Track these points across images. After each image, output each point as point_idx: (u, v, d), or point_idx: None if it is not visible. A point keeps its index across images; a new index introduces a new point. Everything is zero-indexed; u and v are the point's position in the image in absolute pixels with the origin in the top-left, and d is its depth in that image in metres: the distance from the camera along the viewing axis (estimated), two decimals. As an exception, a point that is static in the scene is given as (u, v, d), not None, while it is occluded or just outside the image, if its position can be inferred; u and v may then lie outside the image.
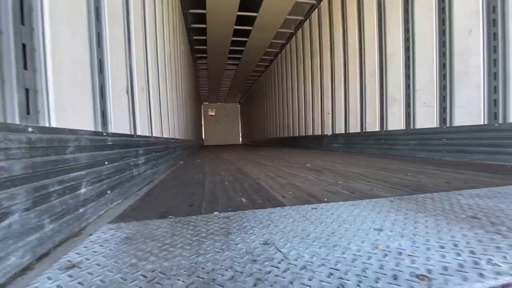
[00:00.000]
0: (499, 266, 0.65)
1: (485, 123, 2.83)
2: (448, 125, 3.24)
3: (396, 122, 4.08)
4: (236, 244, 0.85)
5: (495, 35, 2.69)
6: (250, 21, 7.76)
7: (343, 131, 5.70)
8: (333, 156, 4.55)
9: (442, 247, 0.77)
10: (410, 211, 1.12)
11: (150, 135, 2.61)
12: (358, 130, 5.09)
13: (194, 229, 1.01)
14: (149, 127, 2.61)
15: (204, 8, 6.88)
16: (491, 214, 1.05)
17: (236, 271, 0.68)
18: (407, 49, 3.79)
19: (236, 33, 8.50)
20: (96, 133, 1.36)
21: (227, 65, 12.07)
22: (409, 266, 0.67)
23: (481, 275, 0.62)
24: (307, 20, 7.47)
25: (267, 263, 0.71)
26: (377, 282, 0.60)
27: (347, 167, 2.87)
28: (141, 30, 2.45)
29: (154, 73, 2.95)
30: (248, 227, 1.00)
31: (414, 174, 2.18)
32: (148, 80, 2.63)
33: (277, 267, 0.68)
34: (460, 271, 0.64)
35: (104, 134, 1.46)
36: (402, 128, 3.96)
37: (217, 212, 1.24)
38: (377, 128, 4.52)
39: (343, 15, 5.48)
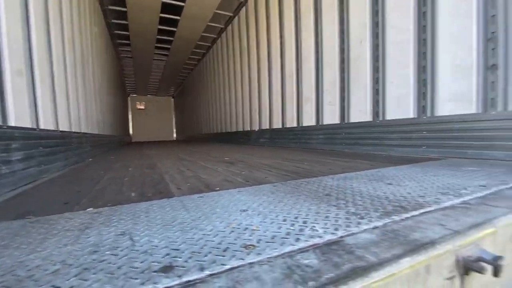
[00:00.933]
0: (316, 231, 0.79)
1: (371, 120, 3.40)
2: (346, 121, 3.77)
3: (309, 119, 4.53)
4: (88, 238, 0.79)
5: (377, 46, 3.25)
6: (178, 10, 7.39)
7: (268, 127, 6.01)
8: (256, 150, 4.76)
9: (284, 220, 0.88)
10: (281, 193, 1.25)
11: (35, 127, 2.22)
12: (280, 126, 5.46)
13: (48, 227, 0.90)
14: (34, 117, 2.22)
15: (123, -11, 6.23)
16: (342, 191, 1.26)
17: (66, 264, 0.63)
18: (317, 52, 4.24)
19: (163, 21, 7.98)
20: None
21: (156, 55, 11.25)
22: (245, 239, 0.74)
23: (298, 239, 0.73)
24: (236, 17, 7.55)
25: (108, 252, 0.69)
26: (206, 256, 0.65)
27: (260, 159, 3.04)
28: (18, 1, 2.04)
29: (43, 54, 2.51)
30: (115, 220, 0.96)
31: (310, 163, 2.47)
32: (31, 62, 2.22)
33: (115, 255, 0.67)
34: (284, 238, 0.74)
35: None
36: (313, 124, 4.42)
37: (91, 209, 1.14)
38: (295, 124, 4.93)
39: (267, 15, 5.74)
